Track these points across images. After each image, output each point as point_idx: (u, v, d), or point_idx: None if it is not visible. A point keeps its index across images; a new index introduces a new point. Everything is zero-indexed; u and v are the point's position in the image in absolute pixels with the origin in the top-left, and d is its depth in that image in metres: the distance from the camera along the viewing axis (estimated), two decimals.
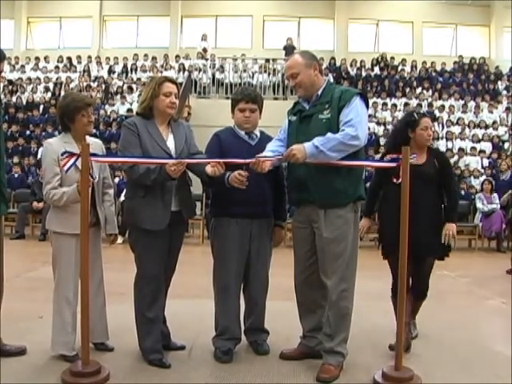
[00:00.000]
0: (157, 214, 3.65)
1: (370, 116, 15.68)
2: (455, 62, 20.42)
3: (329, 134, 3.47)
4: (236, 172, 3.60)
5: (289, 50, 19.11)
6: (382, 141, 15.36)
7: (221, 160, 3.57)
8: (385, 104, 17.27)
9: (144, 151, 3.65)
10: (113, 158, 3.74)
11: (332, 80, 16.41)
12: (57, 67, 19.78)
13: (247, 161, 3.54)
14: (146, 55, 20.16)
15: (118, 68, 19.73)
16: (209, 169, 3.57)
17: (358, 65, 19.94)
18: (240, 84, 17.52)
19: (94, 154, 3.51)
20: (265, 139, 3.94)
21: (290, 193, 3.93)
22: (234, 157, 3.65)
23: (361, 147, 3.57)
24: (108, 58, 20.37)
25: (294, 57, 3.79)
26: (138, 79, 18.49)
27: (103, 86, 18.22)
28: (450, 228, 4.23)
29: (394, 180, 3.59)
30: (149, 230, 3.64)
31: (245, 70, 18.35)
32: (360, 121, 3.50)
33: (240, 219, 3.85)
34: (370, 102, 16.26)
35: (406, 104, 17.08)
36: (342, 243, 3.59)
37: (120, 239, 8.60)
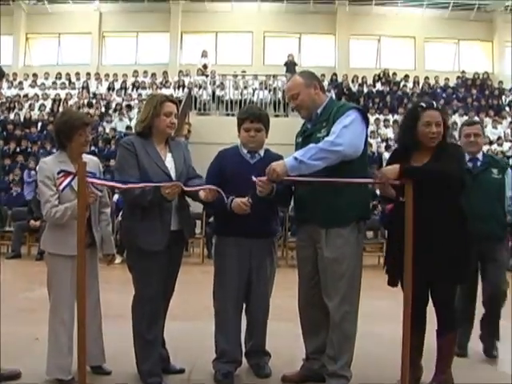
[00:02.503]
0: (156, 234, 3.63)
1: (372, 132, 15.71)
2: (458, 78, 20.58)
3: (309, 145, 3.49)
4: (239, 200, 3.64)
5: (290, 66, 19.20)
6: (386, 156, 15.33)
7: (213, 187, 3.61)
8: (387, 120, 17.32)
9: (142, 172, 3.64)
10: (109, 182, 3.70)
11: (334, 96, 16.47)
12: (55, 83, 19.91)
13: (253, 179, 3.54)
14: (145, 72, 20.31)
15: (118, 85, 19.84)
16: (202, 193, 3.63)
17: (360, 81, 20.08)
18: (240, 101, 17.59)
19: (91, 173, 3.48)
20: (268, 158, 3.87)
21: (295, 211, 3.95)
22: (231, 174, 3.73)
23: (349, 156, 3.47)
24: (107, 75, 20.51)
25: (294, 78, 3.84)
26: (139, 95, 18.60)
27: (102, 103, 18.30)
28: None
29: (401, 198, 3.52)
30: (147, 250, 3.62)
31: (245, 87, 18.41)
32: (344, 130, 3.47)
33: (239, 238, 3.83)
34: (372, 118, 16.33)
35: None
36: (343, 264, 3.57)
37: (118, 259, 8.52)
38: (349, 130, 3.48)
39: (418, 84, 19.95)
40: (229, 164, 3.88)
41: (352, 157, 3.50)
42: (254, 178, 3.52)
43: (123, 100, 18.54)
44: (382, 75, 20.39)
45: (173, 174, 3.73)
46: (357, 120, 3.57)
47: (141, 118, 3.83)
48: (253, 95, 18.42)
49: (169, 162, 3.79)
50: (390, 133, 16.68)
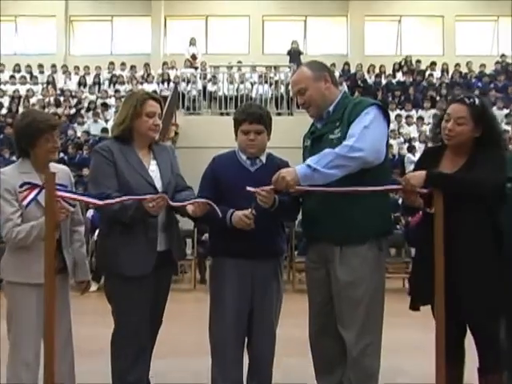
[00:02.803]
0: (139, 256, 3.64)
1: (392, 132, 15.69)
2: (497, 63, 20.41)
3: (325, 150, 3.49)
4: (241, 213, 3.64)
5: (294, 55, 19.25)
6: (412, 159, 15.13)
7: (203, 200, 3.61)
8: (409, 117, 17.30)
9: (121, 182, 3.65)
10: (83, 196, 3.68)
11: (346, 89, 16.44)
12: (13, 77, 19.89)
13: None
14: (123, 64, 20.36)
15: (90, 79, 19.86)
16: (189, 208, 3.63)
17: (377, 71, 20.11)
18: (236, 97, 17.61)
19: (61, 186, 3.47)
20: (272, 164, 3.90)
21: (303, 227, 3.96)
22: (228, 185, 3.77)
23: (370, 163, 3.49)
24: (77, 68, 20.53)
25: (300, 69, 3.85)
26: (116, 91, 18.64)
27: (71, 101, 18.30)
28: None
29: (428, 209, 3.52)
30: (130, 275, 3.62)
31: (242, 81, 18.42)
32: (364, 132, 3.48)
33: (238, 259, 3.83)
34: (393, 114, 16.31)
35: (436, 116, 16.96)
36: (360, 287, 3.56)
37: (94, 286, 8.52)
38: (369, 132, 3.48)
39: (448, 72, 19.89)
40: (225, 172, 3.89)
41: (374, 163, 3.50)
42: (250, 189, 3.52)
43: (97, 98, 18.56)
44: (403, 63, 20.36)
45: (158, 185, 3.76)
46: (377, 119, 3.58)
47: (119, 119, 3.85)
48: (251, 90, 18.44)
49: (153, 170, 3.82)
50: (413, 131, 16.62)
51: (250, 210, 3.60)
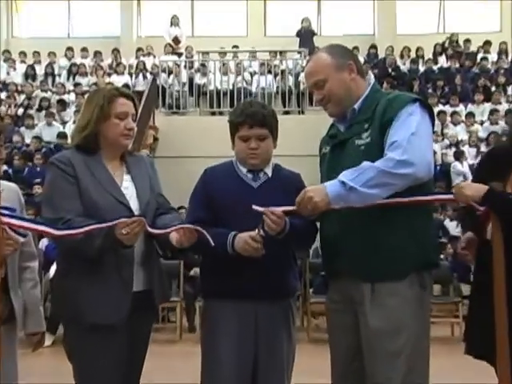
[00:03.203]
0: (110, 298, 3.61)
1: (434, 133, 15.61)
2: None
3: (363, 164, 3.45)
4: (246, 236, 3.60)
5: (305, 37, 19.27)
6: (459, 168, 14.99)
7: (190, 226, 3.60)
8: (456, 113, 17.26)
9: (86, 204, 3.64)
10: (36, 223, 3.68)
11: (372, 79, 16.40)
12: None
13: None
14: (84, 49, 20.39)
15: (41, 69, 19.89)
16: (174, 236, 3.62)
17: (413, 54, 20.09)
18: (232, 92, 17.64)
19: (8, 209, 3.47)
20: (279, 177, 3.93)
21: (323, 259, 3.96)
22: (225, 205, 3.75)
23: (420, 179, 3.47)
24: (23, 54, 20.58)
25: (318, 56, 3.84)
26: (76, 85, 18.64)
27: (17, 98, 18.28)
28: None
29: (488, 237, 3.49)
30: (97, 324, 3.59)
31: (239, 72, 18.42)
32: (412, 140, 3.44)
33: (238, 301, 3.81)
34: (435, 111, 16.23)
35: (493, 112, 16.90)
36: (399, 336, 3.52)
37: (49, 339, 8.52)
38: (417, 140, 3.45)
39: (507, 55, 19.86)
40: (220, 189, 3.87)
41: (424, 180, 3.48)
42: (257, 208, 3.52)
43: (53, 93, 18.59)
44: (447, 44, 20.36)
45: (134, 206, 3.75)
46: (424, 121, 3.58)
47: (81, 122, 3.83)
48: (250, 83, 18.48)
49: (127, 187, 3.81)
50: (462, 133, 16.56)
51: (256, 231, 3.57)
